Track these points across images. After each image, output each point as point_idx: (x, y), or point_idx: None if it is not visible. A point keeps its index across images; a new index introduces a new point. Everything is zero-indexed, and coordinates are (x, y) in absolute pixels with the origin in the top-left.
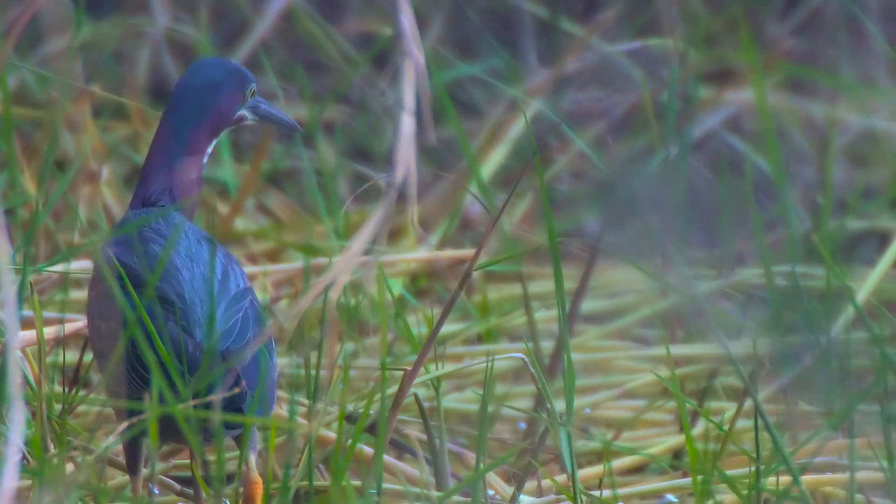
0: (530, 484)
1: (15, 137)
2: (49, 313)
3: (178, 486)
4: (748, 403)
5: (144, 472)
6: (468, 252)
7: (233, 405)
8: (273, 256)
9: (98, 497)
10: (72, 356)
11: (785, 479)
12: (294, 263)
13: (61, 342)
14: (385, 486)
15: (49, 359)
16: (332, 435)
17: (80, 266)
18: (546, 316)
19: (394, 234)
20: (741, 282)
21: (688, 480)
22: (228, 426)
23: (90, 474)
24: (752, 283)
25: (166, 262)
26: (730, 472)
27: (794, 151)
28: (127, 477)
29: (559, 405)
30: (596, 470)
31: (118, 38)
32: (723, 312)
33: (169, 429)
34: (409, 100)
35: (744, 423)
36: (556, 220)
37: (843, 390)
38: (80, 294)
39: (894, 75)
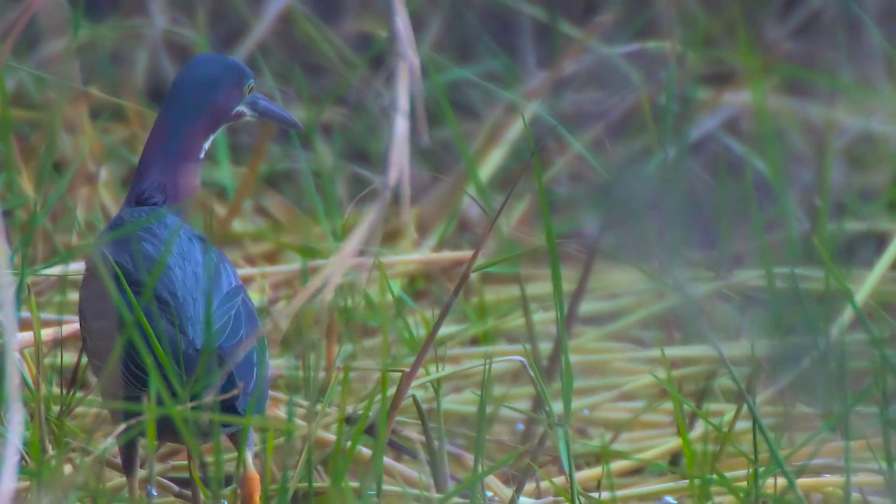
0: (529, 485)
1: (13, 139)
2: (47, 315)
3: (176, 488)
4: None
5: (142, 472)
6: (466, 254)
7: (227, 403)
8: (271, 258)
9: (96, 498)
10: (70, 357)
11: (783, 481)
12: (292, 265)
13: (59, 344)
14: (384, 487)
15: (47, 360)
16: (330, 436)
17: (79, 268)
18: (544, 317)
19: (392, 236)
20: (739, 283)
21: (686, 482)
22: (224, 423)
23: (88, 475)
24: (750, 285)
25: (159, 261)
26: (728, 474)
27: (792, 153)
28: (125, 479)
29: (557, 407)
30: (594, 471)
31: (116, 40)
32: (721, 314)
33: (165, 427)
34: (402, 102)
35: (743, 425)
36: (554, 222)
37: (841, 392)
38: (77, 296)
39: (892, 77)
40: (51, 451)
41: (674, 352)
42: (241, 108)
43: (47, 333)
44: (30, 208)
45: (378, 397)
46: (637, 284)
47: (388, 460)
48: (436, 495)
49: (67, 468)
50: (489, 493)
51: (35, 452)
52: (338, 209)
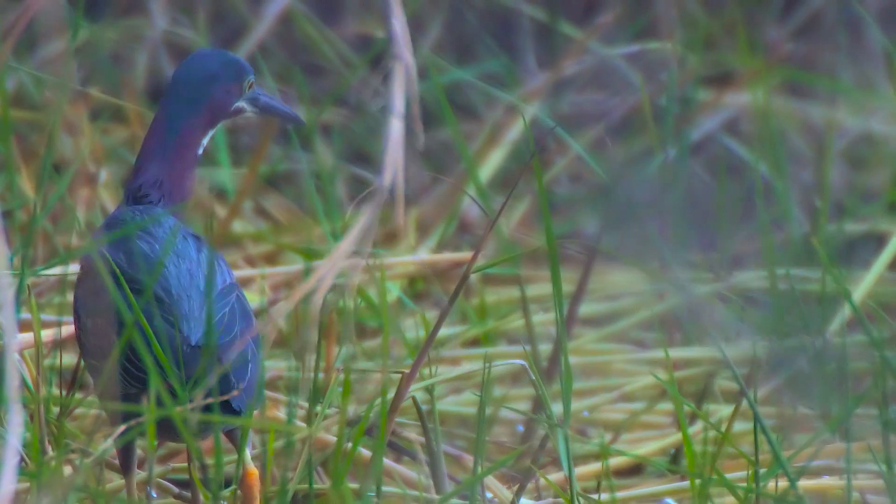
0: (528, 486)
1: (13, 140)
2: (47, 316)
3: (175, 489)
4: (746, 405)
5: (142, 474)
6: (466, 255)
7: (223, 400)
8: (271, 259)
9: (96, 500)
10: (69, 359)
11: (783, 482)
12: (292, 266)
13: (59, 345)
14: (383, 489)
15: (47, 361)
16: (330, 438)
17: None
18: (544, 319)
19: (392, 237)
20: (739, 285)
21: (686, 483)
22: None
23: (88, 477)
24: (749, 286)
25: (153, 259)
26: (728, 475)
27: (792, 154)
28: (123, 479)
29: (557, 408)
30: (594, 472)
31: (116, 41)
32: (720, 315)
33: (162, 425)
34: (398, 104)
35: (743, 426)
36: (554, 223)
37: (840, 393)
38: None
39: (893, 78)
40: (50, 453)
41: (674, 353)
42: (241, 103)
43: (47, 335)
44: (30, 209)
45: (378, 399)
46: (637, 285)
47: (387, 461)
48: (435, 496)
49: (67, 469)
50: (489, 494)
51: (35, 454)
52: (338, 210)
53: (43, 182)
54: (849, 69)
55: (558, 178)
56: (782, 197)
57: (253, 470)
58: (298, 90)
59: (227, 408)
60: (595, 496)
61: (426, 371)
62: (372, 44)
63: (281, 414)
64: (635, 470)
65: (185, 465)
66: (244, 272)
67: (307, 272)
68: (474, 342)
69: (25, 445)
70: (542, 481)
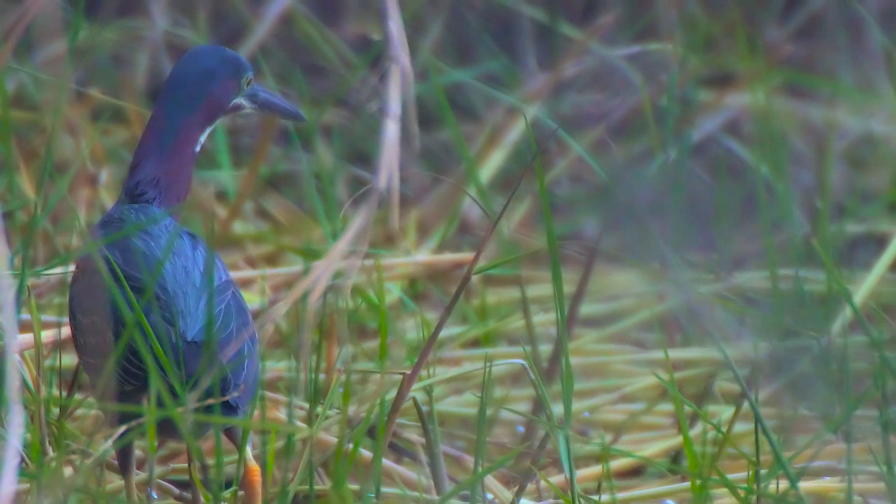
0: (529, 487)
1: (13, 140)
2: (47, 317)
3: (176, 490)
4: (746, 406)
5: (142, 474)
6: (467, 256)
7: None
8: (272, 260)
9: (96, 500)
10: (70, 359)
11: (784, 483)
12: (293, 267)
13: (59, 346)
14: (384, 489)
15: (47, 362)
16: (331, 439)
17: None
18: (544, 319)
19: (392, 238)
20: (739, 285)
21: (687, 484)
22: (214, 411)
23: (88, 478)
24: (750, 287)
25: (149, 256)
26: (728, 476)
27: (792, 155)
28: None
29: (558, 409)
30: (595, 473)
31: (116, 42)
32: (721, 316)
33: (161, 423)
34: (394, 106)
35: (743, 427)
36: (554, 224)
37: (840, 394)
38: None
39: (893, 79)
40: (51, 454)
41: (674, 354)
42: (240, 100)
43: (47, 335)
44: (30, 210)
45: (379, 400)
46: (637, 286)
47: (388, 462)
48: (435, 497)
49: (67, 470)
50: (489, 495)
51: (35, 454)
52: (338, 211)
53: (43, 182)
54: (849, 70)
55: (559, 179)
56: (783, 198)
57: (255, 466)
58: (299, 91)
59: (225, 406)
60: (596, 497)
61: (426, 372)
62: (372, 44)
63: (281, 415)
64: (636, 471)
65: (186, 465)
66: (245, 273)
67: (307, 273)
68: (475, 343)
69: (26, 446)
70: (542, 482)
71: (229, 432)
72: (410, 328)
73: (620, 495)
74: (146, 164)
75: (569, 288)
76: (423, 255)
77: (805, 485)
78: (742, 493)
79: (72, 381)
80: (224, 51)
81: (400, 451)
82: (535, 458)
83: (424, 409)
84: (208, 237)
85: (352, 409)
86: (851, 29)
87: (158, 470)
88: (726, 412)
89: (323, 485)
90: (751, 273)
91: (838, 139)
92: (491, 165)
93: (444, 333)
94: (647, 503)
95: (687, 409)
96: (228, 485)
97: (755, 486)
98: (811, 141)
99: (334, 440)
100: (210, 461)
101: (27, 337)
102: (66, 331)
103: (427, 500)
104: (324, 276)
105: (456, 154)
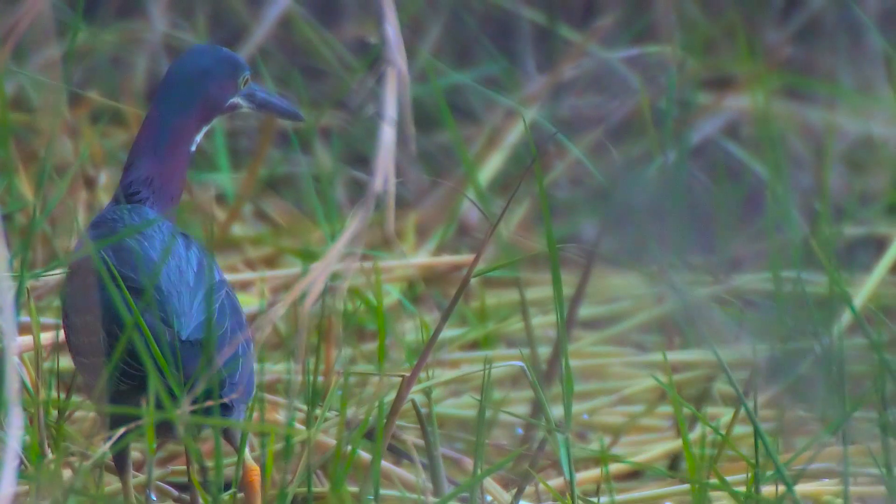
0: (528, 489)
1: (12, 143)
2: (46, 319)
3: (175, 492)
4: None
5: (141, 476)
6: (466, 258)
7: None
8: (271, 262)
9: (95, 502)
10: (68, 362)
11: (783, 486)
12: (292, 269)
13: (58, 348)
14: (382, 492)
15: (46, 364)
16: (329, 441)
17: None
18: (543, 322)
19: (391, 241)
20: (738, 288)
21: (686, 486)
22: (210, 412)
23: (87, 480)
24: (749, 289)
25: (142, 256)
26: (727, 478)
27: (791, 158)
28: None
29: (557, 411)
30: (594, 475)
31: (115, 44)
32: (720, 318)
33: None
34: (390, 109)
35: (743, 429)
36: (553, 226)
37: (839, 397)
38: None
39: (892, 82)
40: (50, 456)
41: (673, 356)
42: (237, 100)
43: (46, 338)
44: (29, 212)
45: (377, 402)
46: (636, 288)
47: (387, 464)
48: (434, 500)
49: (66, 472)
50: (488, 497)
51: (34, 456)
52: (337, 213)
53: (42, 185)
54: (848, 72)
55: (558, 182)
56: (782, 200)
57: (254, 466)
58: (298, 93)
59: (220, 406)
60: (594, 499)
61: (425, 374)
62: (371, 47)
63: (280, 417)
64: (635, 473)
65: (185, 467)
66: (244, 275)
67: (305, 275)
68: (474, 345)
69: (25, 448)
70: (541, 485)
71: (227, 434)
72: (409, 330)
73: (619, 497)
74: (140, 163)
75: (568, 290)
76: (422, 258)
77: (804, 487)
78: (740, 497)
79: (70, 383)
80: (221, 50)
81: (399, 453)
82: (533, 461)
83: (423, 411)
84: (207, 239)
85: (350, 412)
86: (850, 31)
87: (157, 472)
88: (726, 414)
89: (322, 487)
90: (750, 275)
91: (837, 141)
92: (490, 168)
93: (443, 335)
94: None
95: (686, 411)
96: (227, 487)
97: (753, 490)
98: (810, 143)
99: (333, 442)
100: (209, 463)
101: (26, 339)
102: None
103: (426, 503)
104: (320, 279)
105: (455, 156)
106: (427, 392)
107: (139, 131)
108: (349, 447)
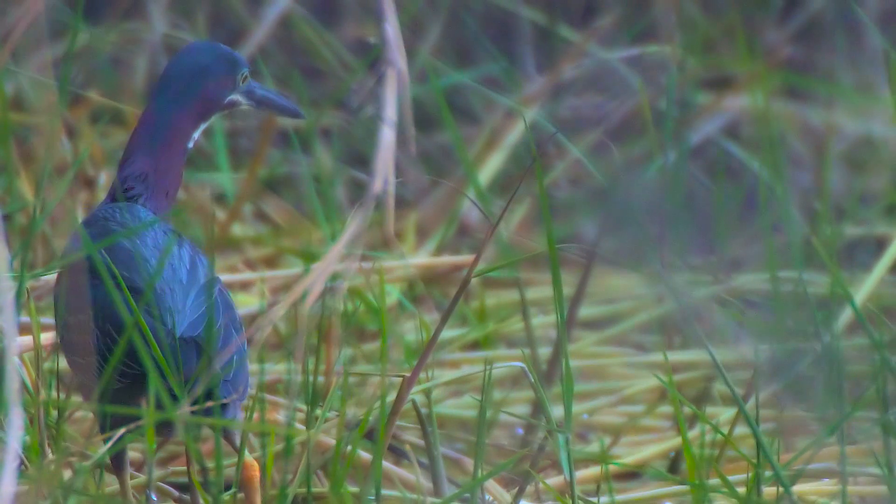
0: (528, 489)
1: (12, 143)
2: (46, 319)
3: (175, 493)
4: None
5: (141, 477)
6: (466, 258)
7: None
8: (271, 262)
9: (95, 502)
10: None
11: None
12: (292, 269)
13: (58, 348)
14: (383, 492)
15: (46, 364)
16: (329, 441)
17: None
18: (543, 322)
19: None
20: (738, 288)
21: (685, 487)
22: (209, 411)
23: (87, 480)
24: (749, 289)
25: (135, 254)
26: (729, 478)
27: (791, 157)
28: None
29: (557, 411)
30: (594, 475)
31: (116, 44)
32: (720, 318)
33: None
34: (390, 110)
35: (743, 429)
36: (553, 227)
37: (839, 397)
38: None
39: (892, 81)
40: (50, 456)
41: (673, 356)
42: (235, 97)
43: (46, 338)
44: (29, 212)
45: (378, 402)
46: (636, 289)
47: (387, 465)
48: (435, 500)
49: (66, 472)
50: (488, 497)
51: (34, 457)
52: (337, 213)
53: (42, 185)
54: (848, 72)
55: (558, 182)
56: (782, 200)
57: (252, 462)
58: (298, 93)
59: (211, 397)
60: (595, 499)
61: (425, 374)
62: (371, 47)
63: (280, 417)
64: (635, 473)
65: (185, 468)
66: (244, 275)
67: (305, 275)
68: (474, 345)
69: (25, 448)
70: (541, 484)
71: (226, 433)
72: (409, 330)
73: (619, 497)
74: (135, 159)
75: (568, 290)
76: (422, 258)
77: (804, 487)
78: (740, 497)
79: (70, 384)
80: (219, 47)
81: (399, 453)
82: (534, 461)
83: (424, 411)
84: (208, 239)
85: (351, 412)
86: (850, 31)
87: (158, 472)
88: (726, 414)
89: (322, 487)
90: (750, 275)
91: (837, 141)
92: (490, 168)
93: (443, 336)
94: None
95: (686, 411)
96: (228, 487)
97: (753, 490)
98: (810, 143)
99: (333, 442)
100: (209, 463)
101: (26, 339)
102: None
103: (426, 503)
104: (320, 279)
105: (455, 156)
106: (427, 392)
107: (135, 127)
108: (349, 447)
